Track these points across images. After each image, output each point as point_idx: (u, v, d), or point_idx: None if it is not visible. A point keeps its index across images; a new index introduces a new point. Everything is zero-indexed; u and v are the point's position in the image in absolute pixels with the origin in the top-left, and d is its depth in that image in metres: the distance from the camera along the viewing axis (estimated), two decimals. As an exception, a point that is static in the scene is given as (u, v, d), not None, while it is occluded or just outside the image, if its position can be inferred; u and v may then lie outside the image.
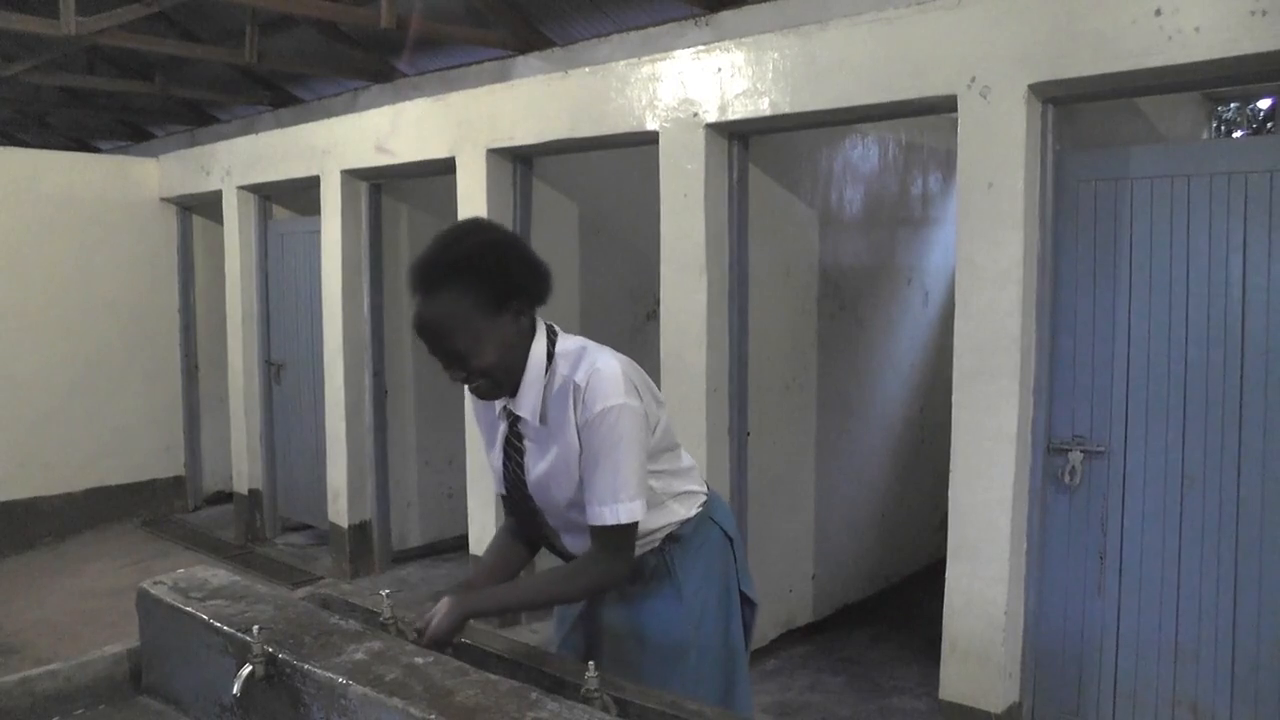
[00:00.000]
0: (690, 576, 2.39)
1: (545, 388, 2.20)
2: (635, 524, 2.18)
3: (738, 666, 2.51)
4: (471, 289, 2.09)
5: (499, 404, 2.29)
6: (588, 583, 2.25)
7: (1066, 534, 3.67)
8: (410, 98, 6.43)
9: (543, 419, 2.21)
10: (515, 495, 2.35)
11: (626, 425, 2.12)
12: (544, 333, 2.23)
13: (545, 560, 2.53)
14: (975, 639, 3.67)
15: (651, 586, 2.38)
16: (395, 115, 5.97)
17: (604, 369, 2.15)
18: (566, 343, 2.25)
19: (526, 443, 2.28)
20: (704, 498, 2.47)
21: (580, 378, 2.15)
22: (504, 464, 2.34)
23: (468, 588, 2.38)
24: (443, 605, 2.17)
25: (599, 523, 2.16)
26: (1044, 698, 3.75)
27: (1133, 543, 3.55)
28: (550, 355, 2.21)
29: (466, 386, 2.20)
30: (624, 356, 2.25)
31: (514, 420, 2.28)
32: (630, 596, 2.38)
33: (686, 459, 2.47)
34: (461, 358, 2.11)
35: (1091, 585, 3.64)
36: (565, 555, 2.38)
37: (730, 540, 2.52)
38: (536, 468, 2.26)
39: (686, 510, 2.41)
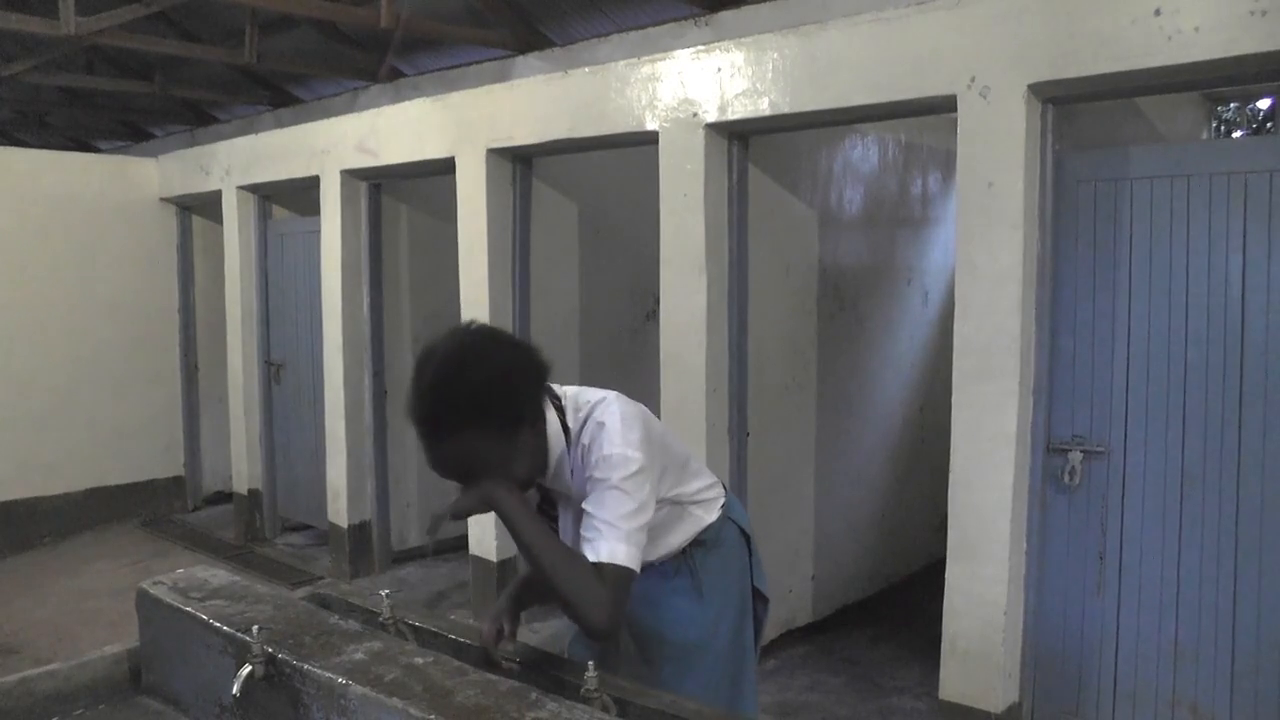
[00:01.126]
0: (710, 575, 2.42)
1: (571, 453, 2.20)
2: (627, 572, 2.06)
3: (746, 666, 2.53)
4: (487, 425, 2.04)
5: None
6: (577, 600, 2.04)
7: (1066, 534, 3.67)
8: (410, 97, 6.43)
9: (571, 479, 2.23)
10: None
11: (625, 474, 2.10)
12: (554, 417, 2.20)
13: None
14: (975, 639, 3.67)
15: (672, 584, 2.40)
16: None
17: (605, 422, 2.14)
18: (571, 402, 2.23)
19: (559, 510, 2.31)
20: (723, 500, 2.49)
21: (587, 438, 2.16)
22: None
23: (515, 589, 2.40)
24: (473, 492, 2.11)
25: (599, 559, 2.06)
26: (1044, 698, 3.75)
27: (1132, 543, 3.55)
28: (565, 428, 2.20)
29: None
30: (621, 398, 2.24)
31: (544, 491, 2.31)
32: (651, 595, 2.39)
33: (704, 471, 2.49)
34: (496, 479, 2.08)
35: (1091, 585, 3.63)
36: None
37: (747, 537, 2.54)
38: (568, 532, 2.28)
39: (710, 515, 2.44)
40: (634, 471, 2.10)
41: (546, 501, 2.32)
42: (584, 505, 2.13)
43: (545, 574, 2.06)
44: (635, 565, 2.08)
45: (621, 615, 2.13)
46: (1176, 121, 5.54)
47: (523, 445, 2.11)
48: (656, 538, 2.24)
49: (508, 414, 2.06)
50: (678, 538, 2.38)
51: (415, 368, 2.09)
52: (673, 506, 2.35)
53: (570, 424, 2.20)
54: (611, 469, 2.10)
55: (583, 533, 2.11)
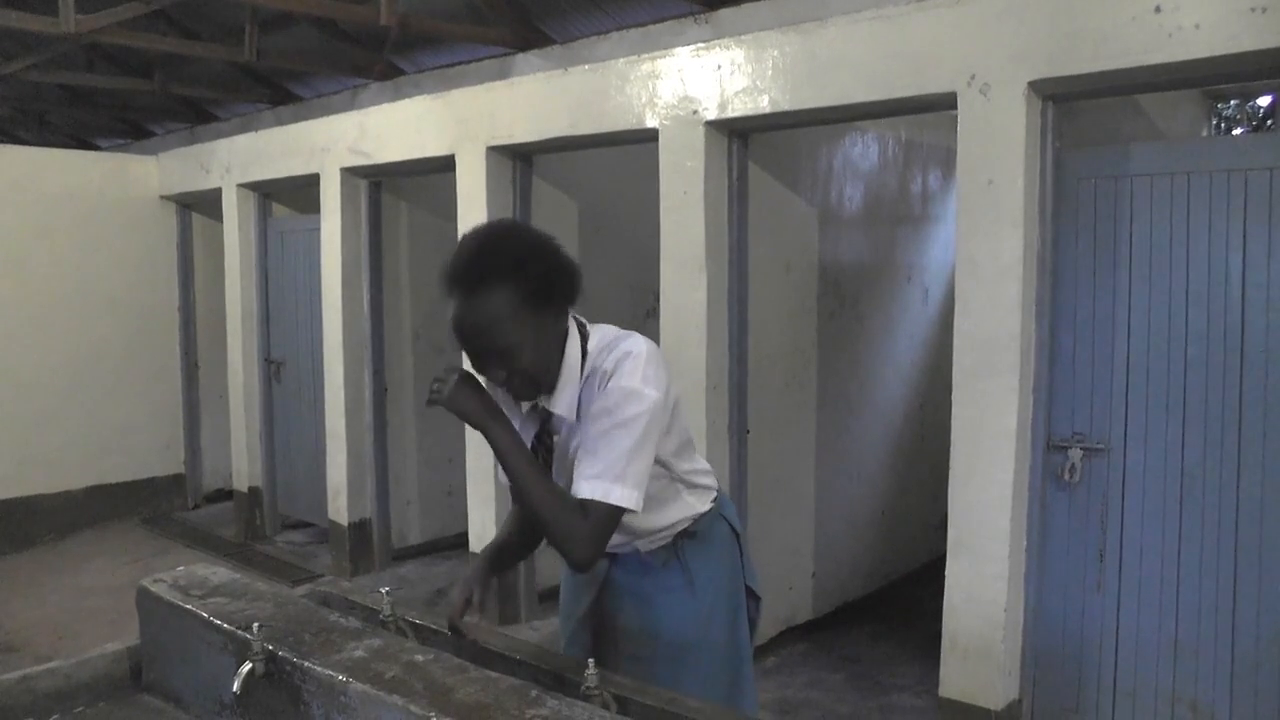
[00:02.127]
0: (702, 571, 2.41)
1: (583, 385, 2.19)
2: (614, 510, 2.08)
3: (743, 663, 2.52)
4: (516, 289, 2.07)
5: (527, 404, 2.28)
6: (557, 528, 2.07)
7: (1066, 531, 3.67)
8: (410, 95, 6.43)
9: (578, 415, 2.20)
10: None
11: (637, 411, 2.09)
12: (576, 331, 2.22)
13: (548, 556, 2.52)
14: (975, 636, 3.67)
15: (664, 580, 2.38)
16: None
17: (633, 352, 2.15)
18: (599, 337, 2.24)
19: (557, 439, 2.28)
20: (715, 494, 2.48)
21: (610, 364, 2.14)
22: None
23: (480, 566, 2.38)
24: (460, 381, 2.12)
25: (587, 496, 2.06)
26: (1044, 695, 3.75)
27: (1132, 540, 3.55)
28: (585, 353, 2.20)
29: (503, 389, 2.19)
30: (653, 344, 2.24)
31: (546, 419, 2.27)
32: (642, 592, 2.38)
33: (701, 461, 2.48)
34: (505, 357, 2.09)
35: (1091, 583, 3.64)
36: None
37: (736, 535, 2.53)
38: (564, 464, 2.25)
39: (701, 505, 2.42)
40: (644, 409, 2.09)
41: (545, 432, 2.28)
42: (586, 436, 2.12)
43: (527, 502, 2.11)
44: (630, 504, 2.08)
45: (600, 551, 2.14)
46: (1177, 119, 5.53)
47: (542, 331, 2.12)
48: (647, 509, 2.18)
49: (541, 286, 2.09)
50: (665, 518, 2.34)
51: (461, 241, 2.18)
52: (668, 480, 2.32)
53: (590, 349, 2.21)
54: (624, 401, 2.09)
55: (577, 464, 2.12)
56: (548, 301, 2.12)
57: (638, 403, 2.09)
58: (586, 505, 2.07)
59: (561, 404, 2.20)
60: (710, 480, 2.48)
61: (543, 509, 2.08)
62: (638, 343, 2.19)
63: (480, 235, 2.17)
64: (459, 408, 2.12)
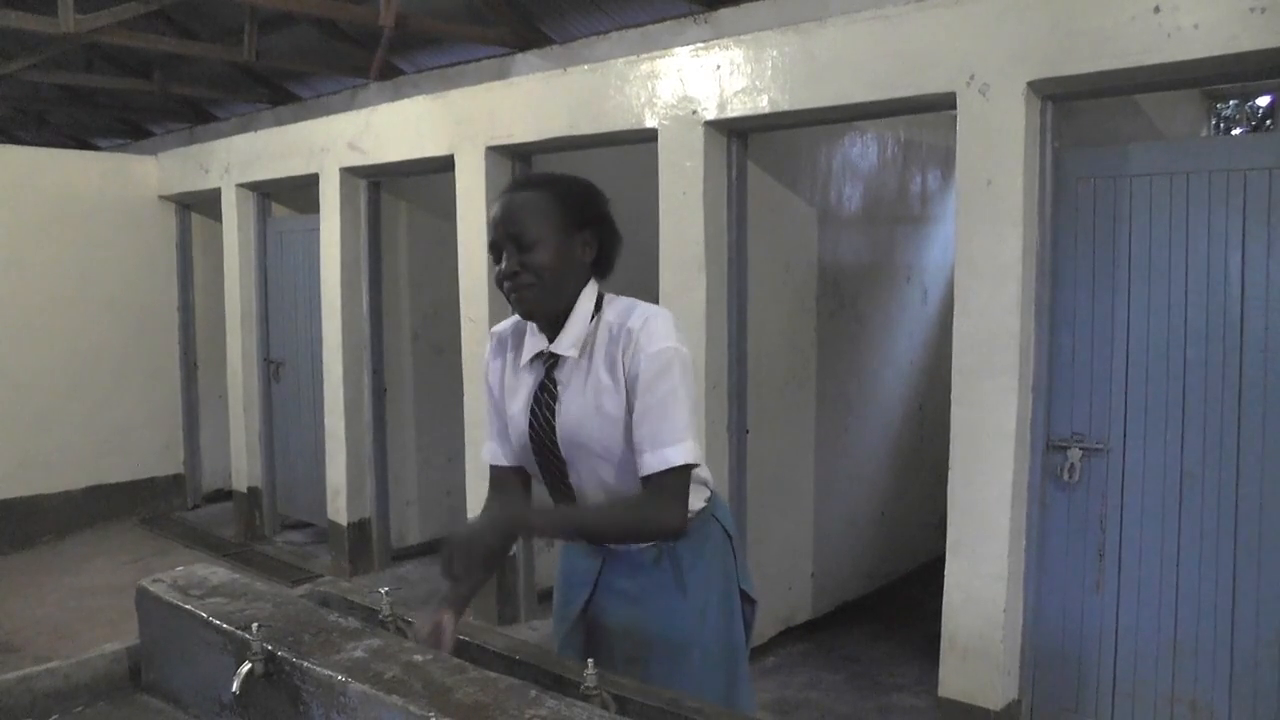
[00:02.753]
0: (694, 572, 2.39)
1: (590, 333, 2.24)
2: (691, 468, 2.17)
3: (739, 664, 2.51)
4: (562, 197, 2.21)
5: (530, 352, 2.30)
6: (645, 528, 2.20)
7: (1065, 531, 3.68)
8: (409, 95, 6.43)
9: (583, 352, 2.24)
10: (538, 451, 2.32)
11: (679, 369, 2.16)
12: (594, 287, 2.28)
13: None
14: (974, 636, 3.67)
15: (655, 582, 2.37)
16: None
17: (660, 315, 2.21)
18: (617, 300, 2.30)
19: (561, 388, 2.26)
20: (709, 493, 2.47)
21: (635, 323, 2.18)
22: (531, 417, 2.31)
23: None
24: (482, 525, 2.11)
25: (658, 468, 2.13)
26: (1043, 695, 3.76)
27: (1131, 540, 3.55)
28: (599, 307, 2.26)
29: (511, 290, 2.20)
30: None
31: (551, 366, 2.28)
32: (634, 593, 2.38)
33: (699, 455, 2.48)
34: (527, 245, 2.16)
35: (1090, 582, 3.64)
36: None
37: (730, 538, 2.52)
38: (571, 413, 2.24)
39: (695, 502, 2.40)
40: (678, 366, 2.16)
41: (549, 379, 2.28)
42: (638, 409, 2.16)
43: (608, 539, 2.26)
44: (692, 458, 2.16)
45: (685, 512, 2.22)
46: (1176, 119, 5.53)
47: (566, 244, 2.20)
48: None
49: (579, 210, 2.23)
50: None
51: None
52: None
53: (605, 306, 2.26)
54: (664, 365, 2.14)
55: (637, 437, 2.16)
56: (581, 227, 2.22)
57: (673, 360, 2.16)
58: (653, 479, 2.14)
59: (565, 344, 2.24)
60: (704, 474, 2.47)
61: (624, 532, 2.23)
62: (662, 310, 2.25)
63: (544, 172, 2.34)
64: (486, 545, 2.09)
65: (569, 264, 2.21)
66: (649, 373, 2.14)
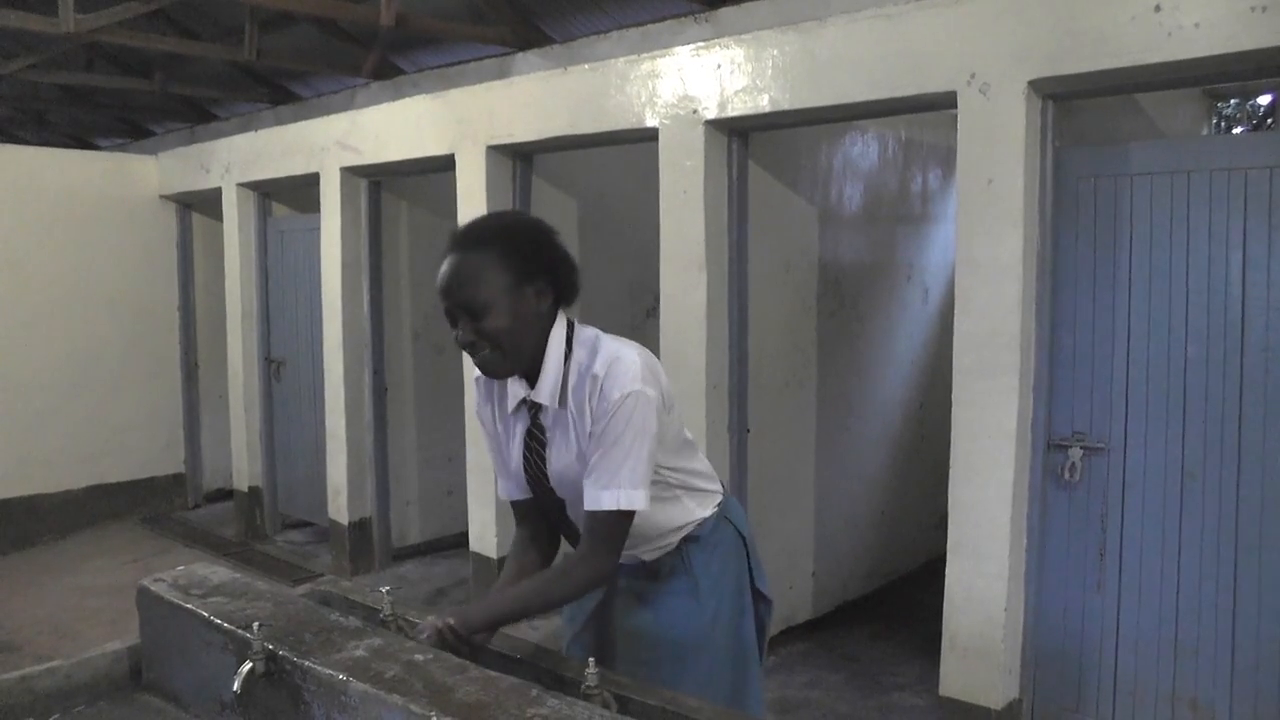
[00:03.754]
0: (707, 574, 2.40)
1: (565, 375, 2.19)
2: (632, 515, 2.14)
3: (749, 665, 2.51)
4: (506, 253, 2.12)
5: (514, 399, 2.27)
6: (578, 582, 2.21)
7: (1066, 530, 3.67)
8: (410, 94, 6.43)
9: (562, 402, 2.20)
10: (537, 490, 2.33)
11: (640, 413, 2.11)
12: (563, 323, 2.22)
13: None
14: (975, 635, 3.67)
15: (668, 584, 2.38)
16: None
17: (623, 358, 2.14)
18: (584, 331, 2.25)
19: (549, 434, 2.26)
20: (720, 498, 2.48)
21: (599, 368, 2.14)
22: (524, 460, 2.32)
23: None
24: (431, 624, 2.14)
25: (596, 507, 2.12)
26: (1044, 694, 3.75)
27: (1132, 539, 3.55)
28: (569, 343, 2.21)
29: (473, 359, 2.17)
30: (643, 348, 2.24)
31: (535, 413, 2.26)
32: (647, 595, 2.38)
33: (703, 460, 2.47)
34: (477, 313, 2.10)
35: (1091, 582, 3.64)
36: None
37: (744, 539, 2.52)
38: (560, 459, 2.24)
39: (703, 510, 2.41)
40: (639, 409, 2.11)
41: (536, 426, 2.27)
42: (591, 450, 2.15)
43: (559, 605, 2.31)
44: (635, 505, 2.13)
45: (617, 555, 2.20)
46: (1177, 118, 5.53)
47: (519, 302, 2.12)
48: (644, 514, 2.20)
49: (525, 260, 2.14)
50: (664, 523, 2.33)
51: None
52: (664, 485, 2.31)
53: (575, 341, 2.21)
54: (620, 407, 2.11)
55: (588, 486, 2.15)
56: (533, 276, 2.14)
57: (633, 404, 2.10)
58: (587, 519, 2.15)
59: (544, 393, 2.20)
60: (713, 485, 2.47)
61: (565, 597, 2.28)
62: (626, 347, 2.18)
63: (491, 213, 2.30)
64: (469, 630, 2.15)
65: (526, 322, 2.15)
66: (603, 418, 2.12)
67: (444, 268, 2.13)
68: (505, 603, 2.25)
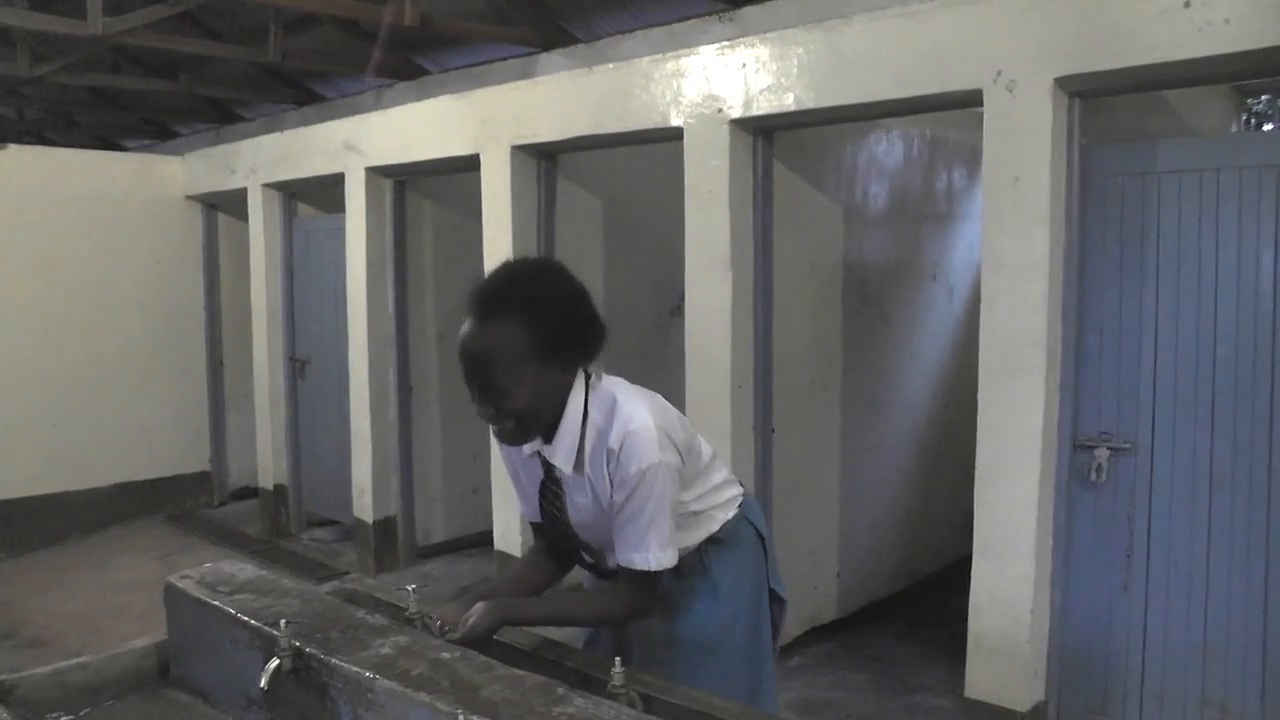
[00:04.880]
0: (725, 574, 2.41)
1: (582, 438, 2.19)
2: (656, 574, 2.20)
3: (765, 664, 2.51)
4: (533, 329, 2.06)
5: (528, 450, 2.28)
6: (618, 612, 2.27)
7: (1093, 532, 3.65)
8: (434, 95, 6.45)
9: (578, 467, 2.21)
10: (555, 529, 2.37)
11: (660, 483, 2.13)
12: (582, 383, 2.20)
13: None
14: (1000, 637, 3.65)
15: (687, 584, 2.38)
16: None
17: (638, 429, 2.12)
18: (600, 390, 2.21)
19: (565, 488, 2.28)
20: (740, 498, 2.48)
21: (614, 441, 2.13)
22: (541, 503, 2.35)
23: (493, 593, 2.38)
24: (479, 607, 2.17)
25: (628, 566, 2.19)
26: (1070, 697, 3.73)
27: (1160, 541, 3.52)
28: (587, 403, 2.18)
29: (491, 428, 2.18)
30: (655, 400, 2.24)
31: (550, 467, 2.27)
32: (666, 595, 2.39)
33: (719, 471, 2.47)
34: (497, 394, 2.08)
35: (1118, 584, 3.61)
36: (606, 574, 2.40)
37: (762, 538, 2.52)
38: (577, 511, 2.28)
39: (725, 513, 2.42)
40: (658, 481, 2.13)
41: (550, 479, 2.29)
42: (617, 517, 2.18)
43: (592, 626, 2.32)
44: (664, 565, 2.19)
45: (654, 601, 2.26)
46: (1205, 115, 5.47)
47: (543, 379, 2.10)
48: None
49: (554, 335, 2.08)
50: (693, 539, 2.37)
51: (498, 264, 2.20)
52: (690, 514, 2.35)
53: (591, 403, 2.19)
54: (641, 481, 2.12)
55: (618, 544, 2.20)
56: (558, 353, 2.10)
57: (653, 476, 2.12)
58: (622, 572, 2.22)
59: (559, 456, 2.21)
60: (732, 490, 2.48)
61: (604, 620, 2.32)
62: (641, 414, 2.15)
63: (514, 266, 2.18)
64: (505, 621, 2.21)
65: (547, 397, 2.13)
66: (623, 489, 2.14)
67: (465, 332, 2.08)
68: (546, 606, 2.31)
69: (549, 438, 2.20)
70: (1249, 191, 3.28)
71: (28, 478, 7.08)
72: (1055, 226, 3.51)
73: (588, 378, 2.22)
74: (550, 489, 2.31)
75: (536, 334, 2.06)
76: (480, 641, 2.13)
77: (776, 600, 2.57)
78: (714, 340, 4.43)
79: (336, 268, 6.61)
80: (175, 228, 7.88)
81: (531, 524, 2.46)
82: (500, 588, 2.44)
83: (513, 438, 2.18)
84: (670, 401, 2.31)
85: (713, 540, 2.40)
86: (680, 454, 2.20)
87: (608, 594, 2.28)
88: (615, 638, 2.48)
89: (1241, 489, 3.35)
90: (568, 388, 2.17)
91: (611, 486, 2.16)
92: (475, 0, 6.53)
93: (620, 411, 2.15)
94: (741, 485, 2.55)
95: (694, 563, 2.39)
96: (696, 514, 2.36)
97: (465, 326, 2.08)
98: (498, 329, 2.05)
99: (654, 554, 2.16)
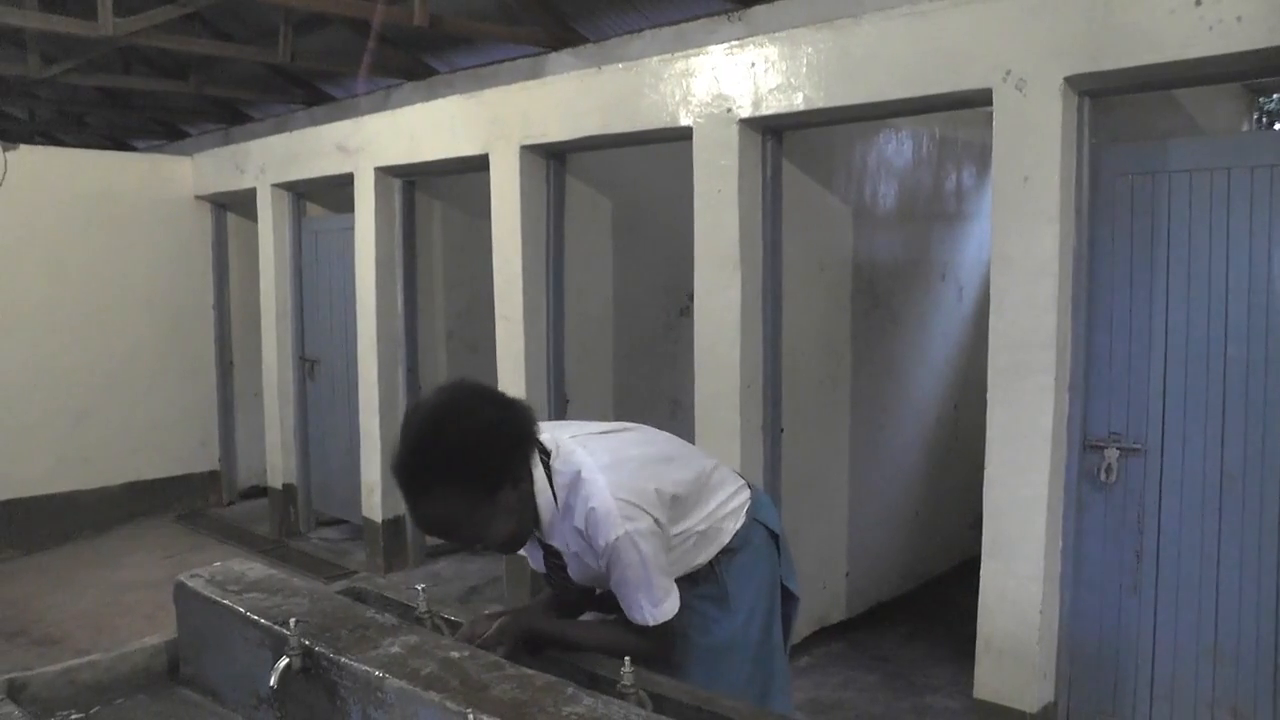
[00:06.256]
0: (736, 581, 2.42)
1: (564, 520, 2.24)
2: (667, 623, 2.24)
3: (777, 663, 2.51)
4: (464, 485, 2.08)
5: None
6: (638, 652, 2.22)
7: (1102, 532, 3.63)
8: (443, 95, 6.46)
9: (566, 544, 2.28)
10: (565, 583, 2.41)
11: (632, 551, 2.16)
12: (541, 473, 2.22)
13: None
14: (1010, 638, 3.64)
15: (697, 589, 2.39)
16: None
17: (597, 507, 2.15)
18: (563, 465, 2.23)
19: (565, 557, 2.33)
20: (749, 503, 2.48)
21: (579, 521, 2.18)
22: (548, 567, 2.41)
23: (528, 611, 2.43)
24: (506, 619, 2.21)
25: (637, 621, 2.23)
26: (1079, 698, 3.71)
27: (1170, 542, 3.51)
28: (554, 489, 2.23)
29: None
30: (618, 457, 2.25)
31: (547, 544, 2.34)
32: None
33: (723, 486, 2.48)
34: (475, 539, 2.17)
35: (1128, 584, 3.60)
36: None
37: (774, 535, 2.52)
38: (580, 571, 2.32)
39: (735, 523, 2.43)
40: (637, 547, 2.15)
41: (551, 551, 2.34)
42: (611, 585, 2.24)
43: (612, 656, 2.26)
44: (667, 614, 2.22)
45: (671, 647, 2.30)
46: (1216, 114, 5.45)
47: (503, 505, 2.13)
48: (680, 564, 2.32)
49: (485, 475, 2.09)
50: (707, 555, 2.40)
51: (403, 423, 2.17)
52: (698, 535, 2.37)
53: (556, 487, 2.22)
54: (618, 553, 2.16)
55: (621, 604, 2.25)
56: (500, 483, 2.12)
57: (624, 545, 2.15)
58: (636, 627, 2.25)
59: (556, 540, 2.28)
60: (738, 498, 2.48)
61: (620, 653, 2.23)
62: (598, 488, 2.17)
63: (415, 432, 2.11)
64: (523, 637, 2.24)
65: (510, 513, 2.16)
66: (604, 560, 2.19)
67: (413, 514, 2.13)
68: (572, 629, 2.34)
69: (538, 524, 2.27)
70: (1260, 191, 3.26)
71: (38, 477, 7.11)
72: (1065, 226, 3.50)
73: (547, 457, 2.23)
74: (553, 561, 2.38)
75: (470, 485, 2.08)
76: (514, 652, 2.16)
77: (790, 597, 2.57)
78: (723, 340, 4.43)
79: (346, 268, 6.62)
80: (185, 228, 7.90)
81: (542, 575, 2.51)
82: (536, 604, 2.51)
83: (514, 549, 2.31)
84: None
85: (724, 551, 2.40)
86: (652, 511, 2.20)
87: (633, 635, 2.26)
88: None
89: (1252, 490, 3.33)
90: (530, 491, 2.21)
91: (596, 556, 2.22)
92: (484, 0, 6.54)
93: (581, 489, 2.19)
94: (749, 485, 2.54)
95: (706, 572, 2.40)
96: (704, 532, 2.37)
97: (408, 508, 2.15)
98: (435, 502, 2.09)
99: (648, 611, 2.20)
